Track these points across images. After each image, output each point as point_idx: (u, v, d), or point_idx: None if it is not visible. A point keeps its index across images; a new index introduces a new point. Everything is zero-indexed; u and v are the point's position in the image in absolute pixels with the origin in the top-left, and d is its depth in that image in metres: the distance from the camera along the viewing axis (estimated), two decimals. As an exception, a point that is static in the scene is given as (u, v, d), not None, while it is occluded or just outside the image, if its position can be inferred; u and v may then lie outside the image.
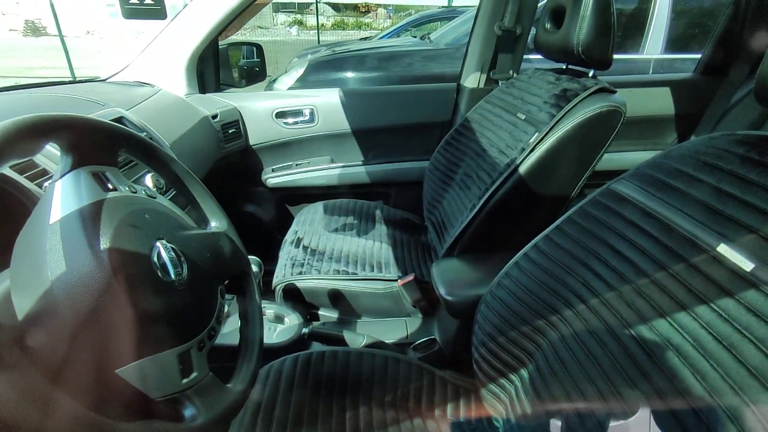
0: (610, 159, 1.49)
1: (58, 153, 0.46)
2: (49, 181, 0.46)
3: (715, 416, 0.41)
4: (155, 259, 0.46)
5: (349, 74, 3.06)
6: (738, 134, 0.51)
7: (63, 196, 0.44)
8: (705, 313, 0.45)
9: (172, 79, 1.36)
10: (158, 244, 0.47)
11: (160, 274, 0.45)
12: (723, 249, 0.45)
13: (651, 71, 3.08)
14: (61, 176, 0.45)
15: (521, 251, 0.72)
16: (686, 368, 0.45)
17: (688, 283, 0.48)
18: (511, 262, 0.73)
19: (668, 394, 0.46)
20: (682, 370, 0.45)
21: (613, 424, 0.51)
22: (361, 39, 6.87)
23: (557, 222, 0.68)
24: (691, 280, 0.47)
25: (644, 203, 0.56)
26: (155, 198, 0.56)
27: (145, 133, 0.99)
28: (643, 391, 0.49)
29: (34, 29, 12.63)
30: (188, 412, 0.43)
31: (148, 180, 0.87)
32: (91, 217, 0.43)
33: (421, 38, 4.02)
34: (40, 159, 0.69)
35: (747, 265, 0.43)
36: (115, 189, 0.49)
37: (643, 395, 0.49)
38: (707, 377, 0.43)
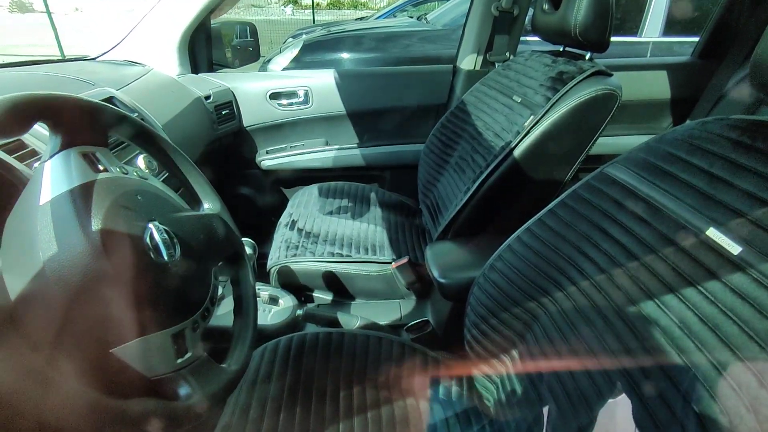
0: (605, 143, 1.49)
1: (47, 133, 0.46)
2: (39, 162, 0.46)
3: (698, 394, 0.42)
4: (148, 240, 0.46)
5: (345, 55, 3.02)
6: (731, 119, 0.51)
7: (53, 176, 0.43)
8: (692, 295, 0.46)
9: (163, 58, 1.33)
10: (151, 225, 0.47)
11: (152, 255, 0.45)
12: (712, 233, 0.46)
13: (649, 54, 3.06)
14: (51, 157, 0.45)
15: (514, 234, 0.73)
16: (672, 349, 0.46)
17: (676, 266, 0.48)
18: (503, 245, 0.73)
19: (654, 373, 0.47)
20: (668, 351, 0.46)
21: (601, 402, 0.53)
22: (357, 19, 6.74)
23: (550, 206, 0.69)
24: (680, 263, 0.48)
25: (636, 187, 0.57)
26: (147, 179, 0.55)
27: (136, 114, 0.97)
28: (630, 370, 0.50)
29: (20, 5, 12.30)
30: (183, 390, 0.44)
31: (140, 161, 0.86)
32: (82, 198, 0.43)
33: (418, 19, 3.95)
34: (28, 139, 0.68)
35: (735, 248, 0.43)
36: (105, 170, 0.48)
37: (630, 374, 0.50)
38: (692, 357, 0.44)
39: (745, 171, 0.46)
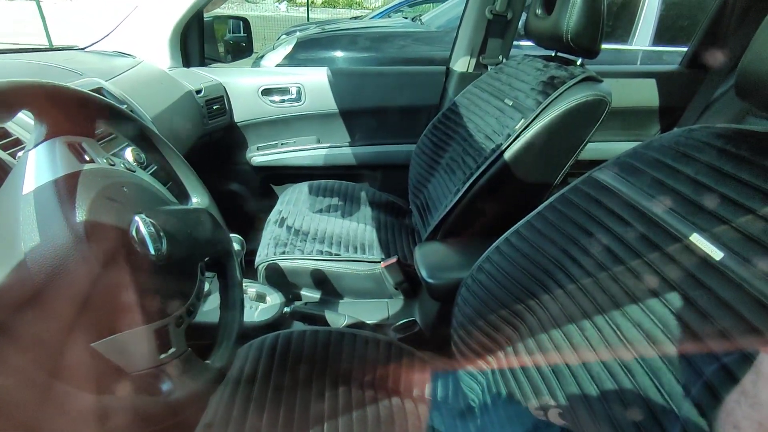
0: (594, 148, 1.51)
1: (32, 122, 0.45)
2: (23, 151, 0.45)
3: (680, 397, 0.43)
4: (134, 233, 0.45)
5: (338, 53, 3.01)
6: (717, 127, 0.52)
7: (37, 165, 0.42)
8: (675, 299, 0.47)
9: (154, 50, 1.32)
10: (137, 218, 0.46)
11: (138, 248, 0.45)
12: (695, 238, 0.46)
13: (639, 62, 3.10)
14: (35, 146, 0.44)
15: (502, 236, 0.73)
16: (656, 352, 0.47)
17: (660, 271, 0.49)
18: (491, 247, 0.74)
19: (638, 375, 0.48)
20: (652, 354, 0.47)
21: (586, 404, 0.53)
22: (351, 18, 6.73)
23: (538, 209, 0.69)
24: (664, 268, 0.49)
25: (623, 192, 0.57)
26: (134, 172, 0.54)
27: (125, 106, 0.96)
28: (615, 372, 0.51)
29: (8, -8, 12.02)
30: (165, 386, 0.44)
31: (128, 154, 0.85)
32: (66, 188, 0.42)
33: (413, 20, 3.96)
34: (13, 128, 0.67)
35: (717, 254, 0.44)
36: (92, 161, 0.48)
37: (615, 376, 0.50)
38: (674, 360, 0.45)
39: (729, 178, 0.47)
